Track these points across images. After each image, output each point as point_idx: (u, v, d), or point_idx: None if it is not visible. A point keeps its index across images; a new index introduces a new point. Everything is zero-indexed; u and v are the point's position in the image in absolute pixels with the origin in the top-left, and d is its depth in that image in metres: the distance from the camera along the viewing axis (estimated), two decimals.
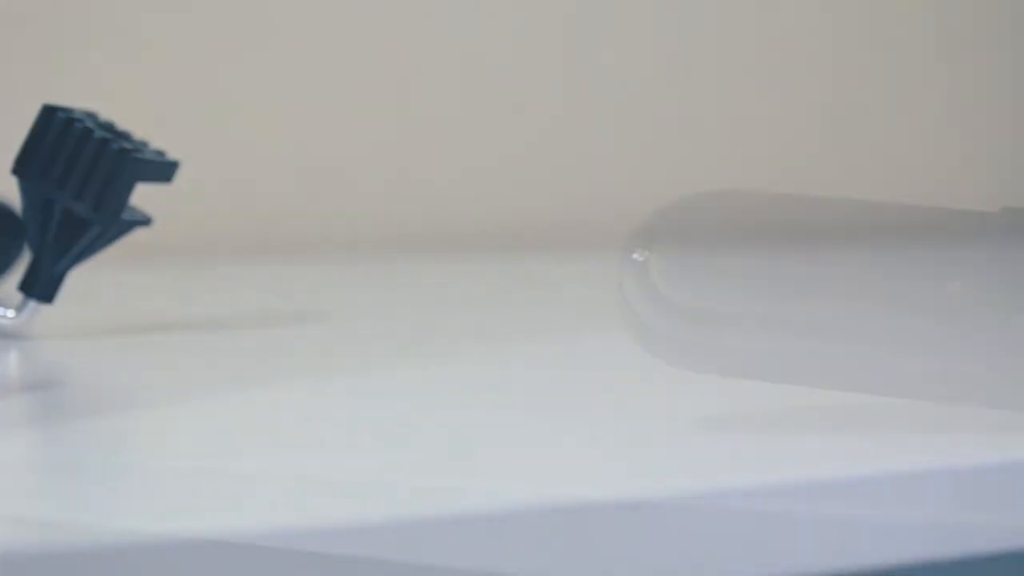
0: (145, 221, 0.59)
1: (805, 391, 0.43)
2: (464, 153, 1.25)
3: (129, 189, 0.57)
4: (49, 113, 0.56)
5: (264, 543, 0.33)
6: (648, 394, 0.52)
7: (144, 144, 0.59)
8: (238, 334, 0.68)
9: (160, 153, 0.59)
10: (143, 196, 0.59)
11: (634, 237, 0.45)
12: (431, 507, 0.37)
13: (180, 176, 0.61)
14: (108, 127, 0.58)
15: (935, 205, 0.44)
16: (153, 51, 1.11)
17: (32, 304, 0.58)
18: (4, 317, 0.59)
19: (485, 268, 1.08)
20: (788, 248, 0.43)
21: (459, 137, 1.26)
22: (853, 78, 1.26)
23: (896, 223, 0.44)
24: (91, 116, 0.58)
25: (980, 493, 0.36)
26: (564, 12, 1.22)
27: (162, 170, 0.59)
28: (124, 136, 0.59)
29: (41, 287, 0.57)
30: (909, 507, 0.34)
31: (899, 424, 0.43)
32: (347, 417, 0.50)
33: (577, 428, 0.48)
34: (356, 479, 0.40)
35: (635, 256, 0.44)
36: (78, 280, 0.59)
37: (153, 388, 0.53)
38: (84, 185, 0.56)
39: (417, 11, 1.20)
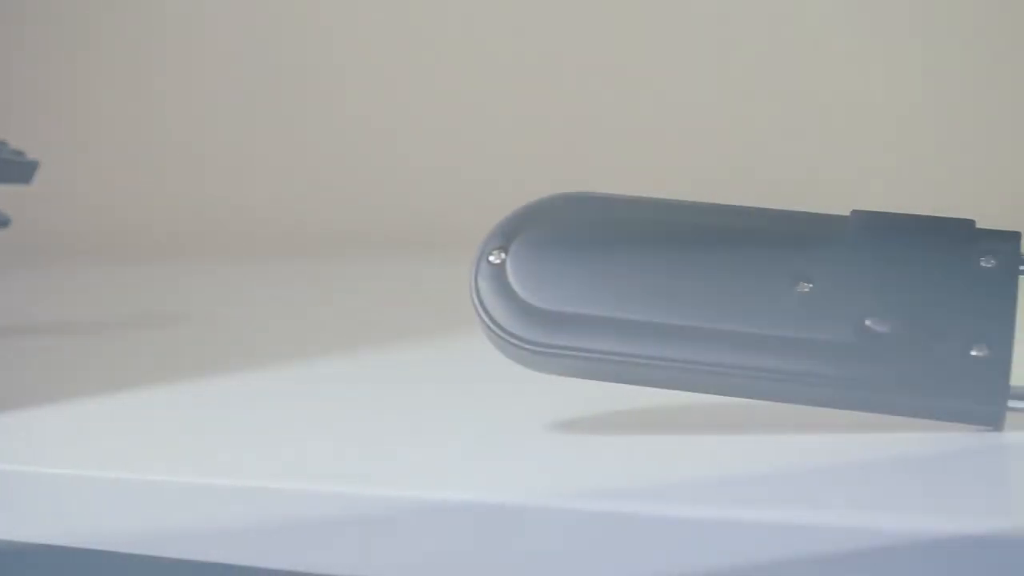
0: (3, 222, 0.58)
1: (660, 393, 0.43)
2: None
3: None
4: None
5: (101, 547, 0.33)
6: (501, 396, 0.52)
7: (2, 144, 0.58)
8: (91, 336, 0.67)
9: (19, 153, 0.58)
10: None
11: (489, 239, 0.45)
12: (272, 509, 0.37)
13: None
14: None
15: (795, 208, 0.44)
16: None
17: None
18: None
19: (369, 269, 1.08)
20: (642, 251, 0.43)
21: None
22: None
23: (749, 226, 0.44)
24: None
25: (826, 493, 0.36)
26: None
27: (20, 171, 0.57)
28: None
29: None
30: (760, 507, 0.34)
31: (752, 425, 0.43)
32: (192, 421, 0.50)
33: (425, 430, 0.48)
34: (193, 483, 0.39)
35: (490, 258, 0.44)
36: None
37: None
38: None
39: None
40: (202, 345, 0.67)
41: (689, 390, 0.42)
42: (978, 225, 0.43)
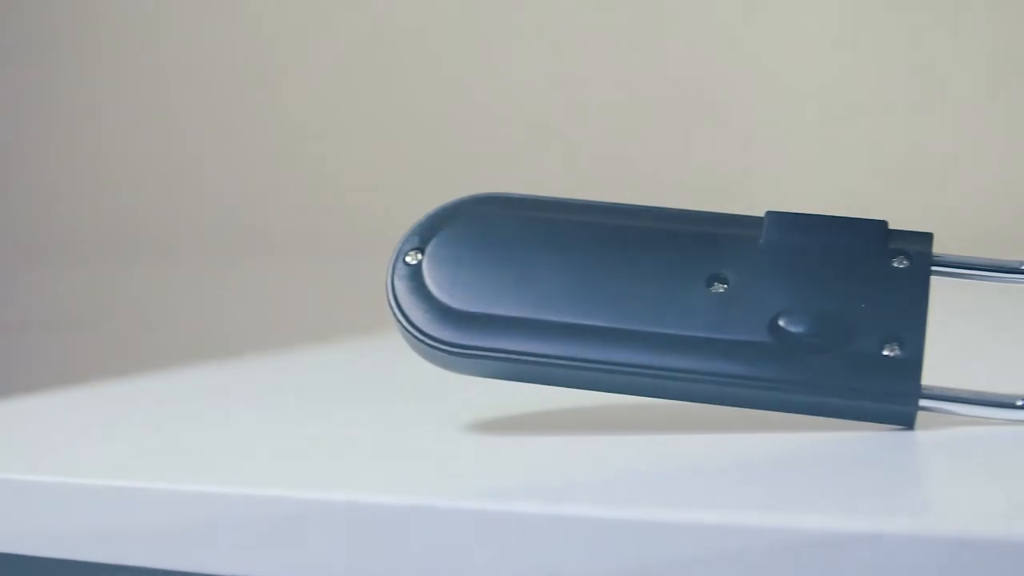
0: None
1: (576, 394, 0.43)
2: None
3: None
4: None
5: None
6: (416, 398, 0.52)
7: None
8: None
9: None
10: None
11: (406, 240, 0.44)
12: (179, 509, 0.37)
13: None
14: None
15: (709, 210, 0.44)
16: None
17: None
18: None
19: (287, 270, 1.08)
20: (558, 252, 0.43)
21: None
22: None
23: (664, 227, 0.44)
24: None
25: (738, 493, 0.36)
26: None
27: None
28: None
29: None
30: (670, 508, 0.34)
31: (666, 425, 0.43)
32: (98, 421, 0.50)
33: (339, 431, 0.48)
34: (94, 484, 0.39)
35: (407, 259, 0.44)
36: None
37: None
38: None
39: None
40: (109, 346, 0.66)
41: (604, 391, 0.42)
42: (891, 226, 0.43)
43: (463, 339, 0.43)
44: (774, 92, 1.31)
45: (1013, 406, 0.40)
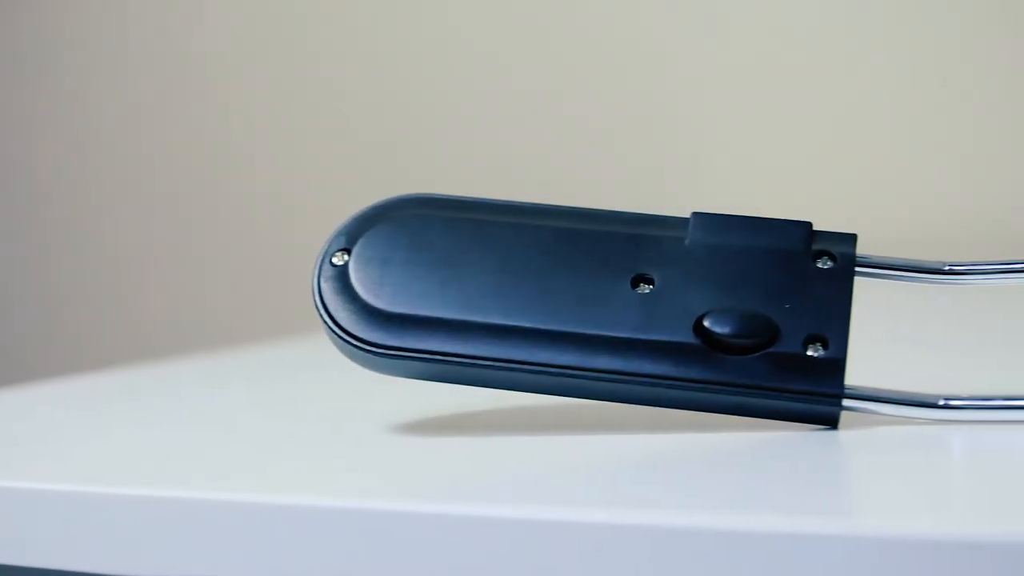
0: None
1: (504, 395, 0.43)
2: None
3: None
4: None
5: None
6: (342, 399, 0.52)
7: None
8: None
9: None
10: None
11: (332, 241, 0.44)
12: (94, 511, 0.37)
13: None
14: None
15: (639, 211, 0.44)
16: None
17: None
18: None
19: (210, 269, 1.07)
20: (484, 253, 0.43)
21: None
22: None
23: (590, 228, 0.44)
24: None
25: (661, 493, 0.36)
26: None
27: None
28: None
29: None
30: (598, 508, 0.34)
31: (592, 426, 0.43)
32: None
33: (262, 432, 0.48)
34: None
35: (333, 260, 0.44)
36: None
37: None
38: None
39: None
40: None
41: (529, 391, 0.42)
42: (816, 227, 0.43)
43: (389, 340, 0.42)
44: (706, 96, 1.32)
45: (935, 406, 0.41)
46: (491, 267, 0.43)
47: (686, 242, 0.43)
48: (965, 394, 0.41)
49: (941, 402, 0.41)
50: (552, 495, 0.36)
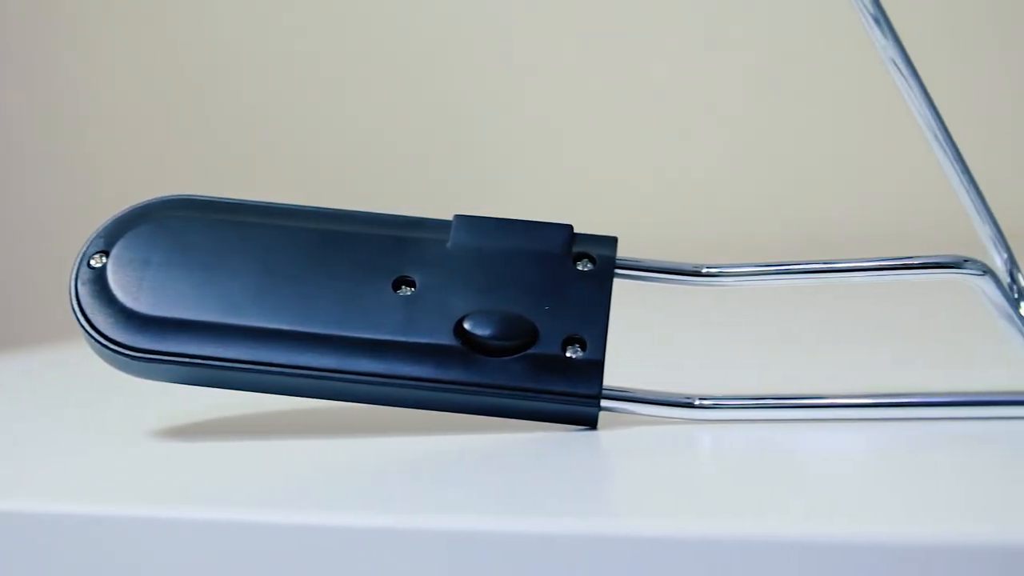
0: None
1: (266, 398, 0.43)
2: None
3: None
4: None
5: None
6: (103, 404, 0.51)
7: None
8: None
9: None
10: None
11: (90, 243, 0.43)
12: None
13: None
14: None
15: (401, 213, 0.44)
16: None
17: None
18: None
19: None
20: (245, 255, 0.43)
21: None
22: None
23: (351, 230, 0.44)
24: None
25: (414, 495, 0.36)
26: None
27: None
28: None
29: None
30: (358, 512, 0.34)
31: (355, 429, 0.43)
32: None
33: (22, 438, 0.47)
34: None
35: (91, 262, 0.43)
36: None
37: None
38: None
39: None
40: None
41: (291, 394, 0.42)
42: (577, 230, 0.44)
43: (147, 344, 0.42)
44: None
45: (691, 405, 0.41)
46: (252, 269, 0.43)
47: (448, 245, 0.43)
48: (719, 394, 0.42)
49: (696, 402, 0.41)
50: (311, 499, 0.36)
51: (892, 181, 1.16)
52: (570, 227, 0.44)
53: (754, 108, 1.28)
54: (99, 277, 0.43)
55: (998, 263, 0.49)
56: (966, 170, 0.47)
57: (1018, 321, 0.45)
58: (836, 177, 1.23)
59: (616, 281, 0.43)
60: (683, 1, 1.31)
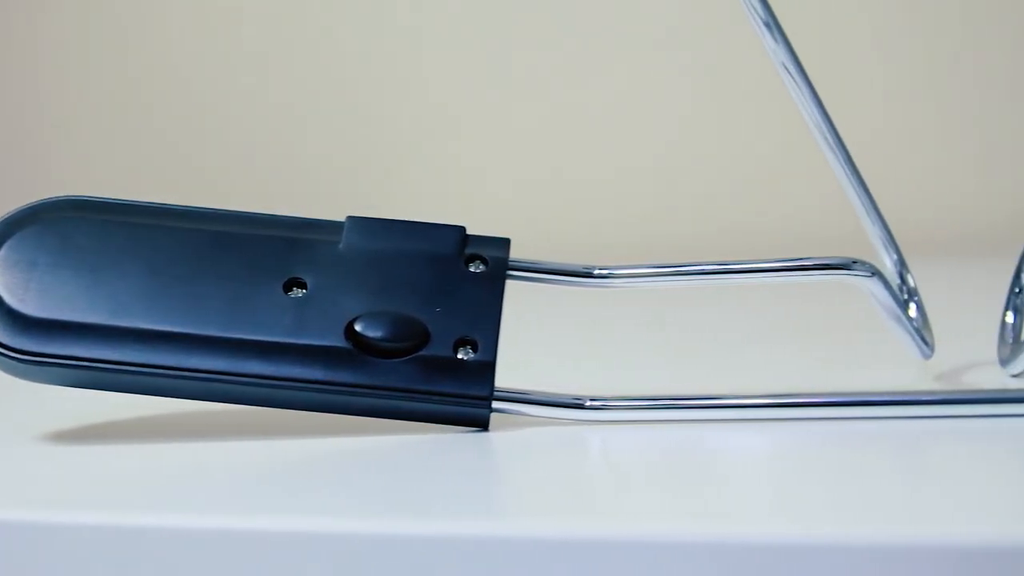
0: None
1: (158, 401, 0.42)
2: None
3: None
4: None
5: None
6: None
7: None
8: None
9: None
10: None
11: None
12: None
13: None
14: None
15: (299, 214, 0.44)
16: None
17: None
18: None
19: None
20: (134, 257, 0.42)
21: None
22: None
23: (242, 231, 0.43)
24: None
25: (303, 498, 0.36)
26: None
27: None
28: None
29: None
30: (246, 515, 0.34)
31: (248, 431, 0.43)
32: None
33: None
34: None
35: None
36: None
37: None
38: None
39: None
40: None
41: (181, 397, 0.42)
42: (470, 231, 0.44)
43: (34, 346, 0.41)
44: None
45: (582, 406, 0.42)
46: (141, 271, 0.42)
47: (340, 246, 0.43)
48: (610, 395, 0.42)
49: (587, 403, 0.42)
50: (197, 502, 0.36)
51: (797, 183, 1.18)
52: (463, 228, 0.44)
53: (651, 110, 1.29)
54: None
55: (888, 264, 0.50)
56: (855, 172, 0.47)
57: (906, 321, 0.46)
58: (734, 179, 1.24)
59: (510, 283, 0.43)
60: (581, 3, 1.32)
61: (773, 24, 0.45)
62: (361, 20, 1.35)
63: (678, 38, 1.29)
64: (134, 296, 0.42)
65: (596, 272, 0.44)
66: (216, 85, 1.38)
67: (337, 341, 0.41)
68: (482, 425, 0.42)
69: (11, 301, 0.42)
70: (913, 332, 0.46)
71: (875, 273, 0.44)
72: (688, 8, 1.28)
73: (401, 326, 0.41)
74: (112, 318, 0.41)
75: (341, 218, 0.44)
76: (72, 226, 0.43)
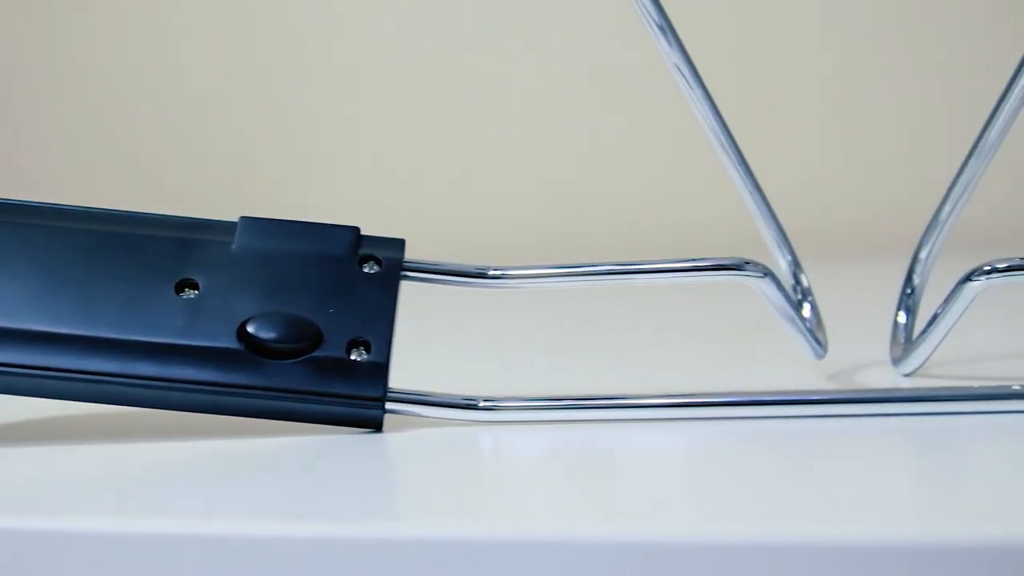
0: None
1: (47, 403, 0.42)
2: None
3: None
4: None
5: None
6: None
7: None
8: None
9: None
10: None
11: None
12: None
13: None
14: None
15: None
16: None
17: None
18: None
19: None
20: (24, 257, 0.42)
21: None
22: None
23: (134, 232, 0.43)
24: None
25: (191, 501, 0.35)
26: None
27: None
28: None
29: None
30: (138, 518, 0.34)
31: (138, 433, 0.42)
32: None
33: None
34: None
35: None
36: None
37: None
38: None
39: None
40: None
41: (72, 399, 0.41)
42: (365, 232, 0.44)
43: None
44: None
45: (475, 407, 0.42)
46: (31, 272, 0.42)
47: (233, 247, 0.43)
48: (503, 395, 0.42)
49: (480, 403, 0.42)
50: (81, 504, 0.35)
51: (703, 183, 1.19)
52: (357, 229, 0.44)
53: (554, 108, 1.29)
54: None
55: (782, 265, 0.50)
56: (749, 173, 0.48)
57: (799, 321, 0.46)
58: (630, 179, 1.25)
59: (404, 284, 0.43)
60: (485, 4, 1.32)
61: (667, 27, 0.46)
62: (249, 17, 1.35)
63: (575, 44, 1.30)
64: (23, 297, 0.41)
65: (490, 272, 0.44)
66: (104, 85, 1.37)
67: (229, 342, 0.41)
68: (375, 426, 0.42)
69: None
70: (806, 332, 0.47)
71: (767, 274, 0.44)
72: (586, 17, 1.29)
73: (293, 327, 0.41)
74: (1, 320, 0.41)
75: (234, 218, 0.44)
76: None
